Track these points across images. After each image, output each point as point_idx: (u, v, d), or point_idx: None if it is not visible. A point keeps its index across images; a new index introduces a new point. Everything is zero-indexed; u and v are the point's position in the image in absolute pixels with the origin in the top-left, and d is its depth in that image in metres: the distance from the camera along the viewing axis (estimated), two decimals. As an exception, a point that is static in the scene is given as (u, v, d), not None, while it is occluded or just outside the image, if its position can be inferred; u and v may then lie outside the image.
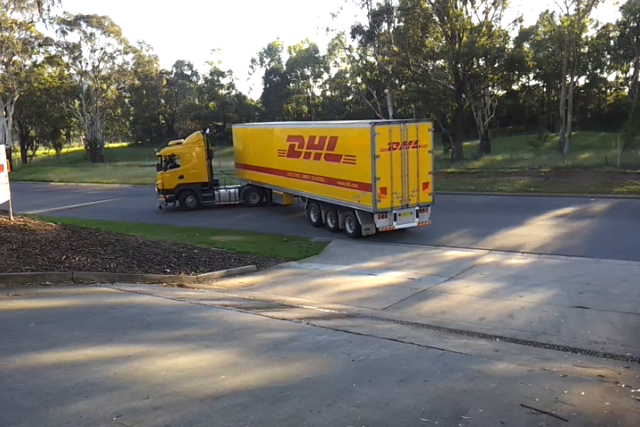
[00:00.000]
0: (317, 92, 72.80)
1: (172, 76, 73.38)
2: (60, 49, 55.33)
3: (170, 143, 24.71)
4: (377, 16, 39.48)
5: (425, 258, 14.03)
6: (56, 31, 54.03)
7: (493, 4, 36.12)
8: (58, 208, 24.62)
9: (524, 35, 45.49)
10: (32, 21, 48.24)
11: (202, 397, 4.46)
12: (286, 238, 16.87)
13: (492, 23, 36.99)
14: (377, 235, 16.23)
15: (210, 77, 73.69)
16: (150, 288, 10.00)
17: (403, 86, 44.16)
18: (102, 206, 26.47)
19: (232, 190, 24.16)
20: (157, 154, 24.31)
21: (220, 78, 73.17)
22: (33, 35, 51.83)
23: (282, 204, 22.07)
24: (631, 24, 42.92)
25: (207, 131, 24.94)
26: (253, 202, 23.82)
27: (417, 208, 16.16)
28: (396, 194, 15.72)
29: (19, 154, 58.96)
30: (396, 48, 37.79)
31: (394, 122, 17.10)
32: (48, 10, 40.54)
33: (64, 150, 68.85)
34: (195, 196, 23.72)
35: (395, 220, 15.98)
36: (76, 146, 75.10)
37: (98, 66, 55.48)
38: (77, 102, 57.81)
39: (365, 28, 39.93)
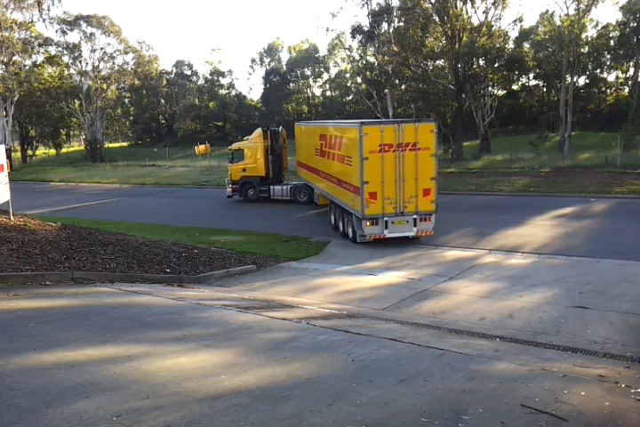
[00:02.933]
0: (317, 92, 72.90)
1: (172, 76, 73.41)
2: (60, 49, 55.34)
3: (244, 138, 26.82)
4: (377, 16, 39.51)
5: (425, 258, 14.03)
6: (56, 31, 54.05)
7: (493, 3, 36.14)
8: (58, 208, 24.62)
9: (524, 35, 45.49)
10: (32, 21, 48.26)
11: (202, 397, 4.46)
12: (286, 238, 16.86)
13: (492, 23, 37.01)
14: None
15: (210, 77, 73.74)
16: (150, 288, 10.00)
17: (403, 86, 44.15)
18: (102, 206, 26.47)
19: (284, 187, 24.71)
20: (229, 148, 26.19)
21: (220, 78, 73.23)
22: (33, 35, 51.81)
23: (318, 203, 21.82)
24: (631, 24, 42.91)
25: (280, 128, 25.57)
26: (302, 200, 24.06)
27: (415, 217, 14.94)
28: (388, 200, 14.68)
29: (19, 154, 58.94)
30: (395, 48, 37.79)
31: (387, 122, 16.00)
32: (48, 10, 40.46)
33: (64, 150, 68.84)
34: (255, 189, 24.93)
35: (386, 228, 14.88)
36: (76, 146, 75.11)
37: (98, 66, 55.47)
38: (77, 102, 57.80)
39: (365, 28, 39.97)
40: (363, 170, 14.54)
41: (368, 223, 14.91)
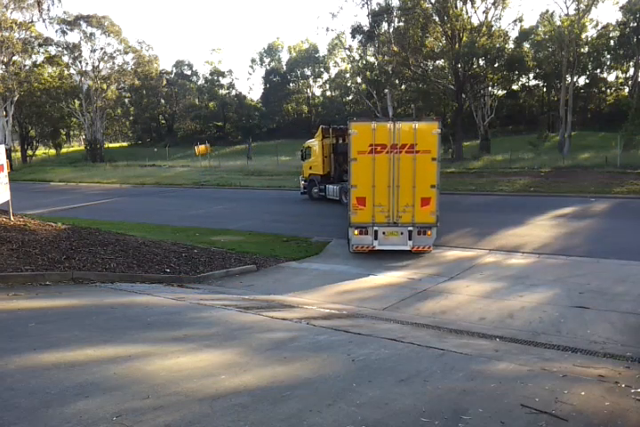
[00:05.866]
0: (317, 92, 73.05)
1: (172, 76, 73.54)
2: (60, 49, 55.46)
3: None
4: (377, 16, 39.56)
5: (425, 258, 14.00)
6: (56, 31, 54.35)
7: (493, 3, 36.19)
8: (58, 208, 24.61)
9: (524, 35, 45.54)
10: (32, 21, 48.44)
11: (202, 397, 4.45)
12: (286, 238, 16.84)
13: (492, 23, 37.08)
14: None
15: (210, 77, 73.87)
16: (150, 288, 9.99)
17: (403, 86, 44.25)
18: (102, 206, 26.47)
19: (335, 187, 24.44)
20: (303, 145, 26.49)
21: (220, 78, 73.36)
22: (33, 35, 51.90)
23: None
24: (631, 24, 42.98)
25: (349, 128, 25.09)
26: (345, 201, 23.71)
27: (410, 228, 13.35)
28: (379, 207, 13.24)
29: (19, 154, 59.03)
30: (396, 48, 37.81)
31: (380, 119, 14.34)
32: (48, 10, 40.74)
33: (64, 150, 68.96)
34: (318, 187, 25.19)
35: (376, 238, 13.39)
36: (76, 146, 75.22)
37: (98, 66, 55.54)
38: (77, 102, 57.89)
39: (365, 28, 40.04)
40: (350, 172, 13.43)
41: (356, 232, 13.56)
